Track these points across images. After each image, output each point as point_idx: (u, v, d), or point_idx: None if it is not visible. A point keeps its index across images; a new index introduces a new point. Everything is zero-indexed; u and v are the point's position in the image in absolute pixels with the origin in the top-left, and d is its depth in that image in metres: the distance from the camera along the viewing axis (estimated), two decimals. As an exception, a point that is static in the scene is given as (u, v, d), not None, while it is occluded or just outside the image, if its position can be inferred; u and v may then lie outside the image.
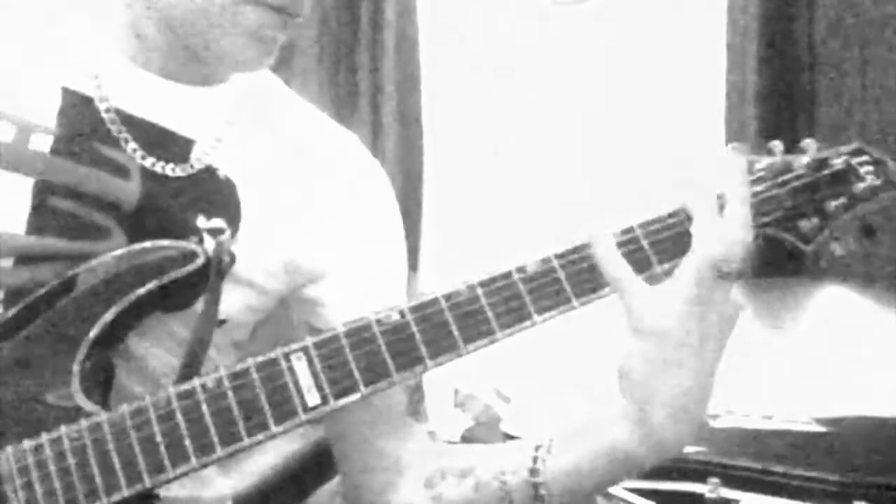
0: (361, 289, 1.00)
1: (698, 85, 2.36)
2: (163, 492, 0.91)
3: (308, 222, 0.99)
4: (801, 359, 2.31)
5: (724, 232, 0.83)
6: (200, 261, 0.87)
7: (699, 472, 1.81)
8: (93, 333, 0.86)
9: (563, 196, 2.36)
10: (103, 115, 0.92)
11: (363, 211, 1.03)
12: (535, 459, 0.90)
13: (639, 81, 2.40)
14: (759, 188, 0.88)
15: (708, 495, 1.79)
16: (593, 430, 0.89)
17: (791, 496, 1.75)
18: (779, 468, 1.79)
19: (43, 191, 0.90)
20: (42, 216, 0.90)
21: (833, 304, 2.31)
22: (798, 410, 2.17)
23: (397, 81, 2.55)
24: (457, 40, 2.56)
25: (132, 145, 0.92)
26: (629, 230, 0.85)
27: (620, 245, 0.85)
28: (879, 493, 1.70)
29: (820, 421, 2.11)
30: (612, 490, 1.82)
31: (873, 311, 2.29)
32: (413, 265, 2.58)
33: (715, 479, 1.79)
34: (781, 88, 2.25)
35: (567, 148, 2.44)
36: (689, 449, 1.87)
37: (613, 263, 0.84)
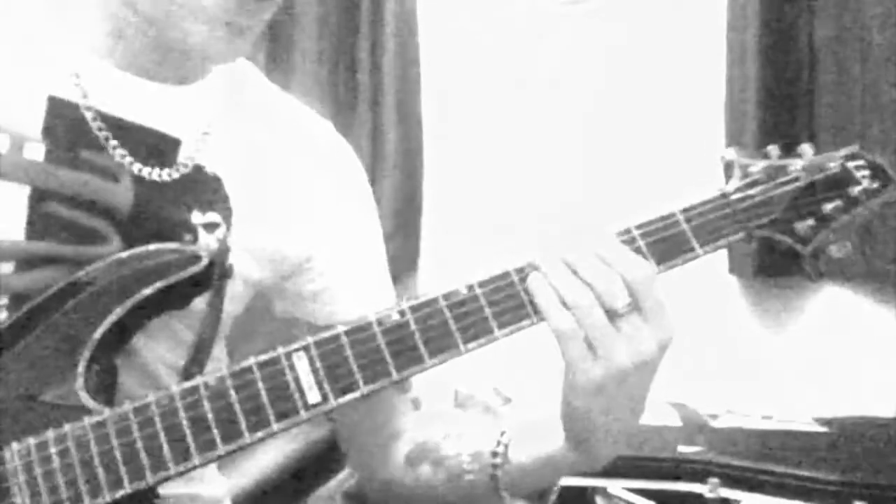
0: (350, 273, 1.03)
1: (698, 85, 2.36)
2: (162, 489, 0.91)
3: (292, 210, 1.00)
4: (801, 359, 2.31)
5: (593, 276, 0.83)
6: (204, 262, 0.88)
7: (699, 472, 1.82)
8: (97, 334, 0.86)
9: (563, 196, 2.36)
10: (89, 121, 0.91)
11: (344, 196, 1.05)
12: (494, 454, 0.97)
13: (639, 81, 2.40)
14: (754, 191, 0.89)
15: (708, 495, 1.79)
16: (544, 435, 0.95)
17: (791, 496, 1.76)
18: (779, 468, 1.79)
19: (39, 198, 0.89)
20: (39, 223, 0.89)
21: (833, 304, 2.32)
22: (798, 410, 2.17)
23: (397, 81, 2.55)
24: (457, 40, 2.56)
25: (120, 150, 0.92)
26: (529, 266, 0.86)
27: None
28: (879, 493, 1.71)
29: (820, 421, 2.11)
30: (612, 490, 1.82)
31: (873, 311, 2.29)
32: (413, 266, 2.58)
33: (715, 479, 1.80)
34: (782, 89, 2.25)
35: (567, 148, 2.44)
36: (690, 449, 1.87)
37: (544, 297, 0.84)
